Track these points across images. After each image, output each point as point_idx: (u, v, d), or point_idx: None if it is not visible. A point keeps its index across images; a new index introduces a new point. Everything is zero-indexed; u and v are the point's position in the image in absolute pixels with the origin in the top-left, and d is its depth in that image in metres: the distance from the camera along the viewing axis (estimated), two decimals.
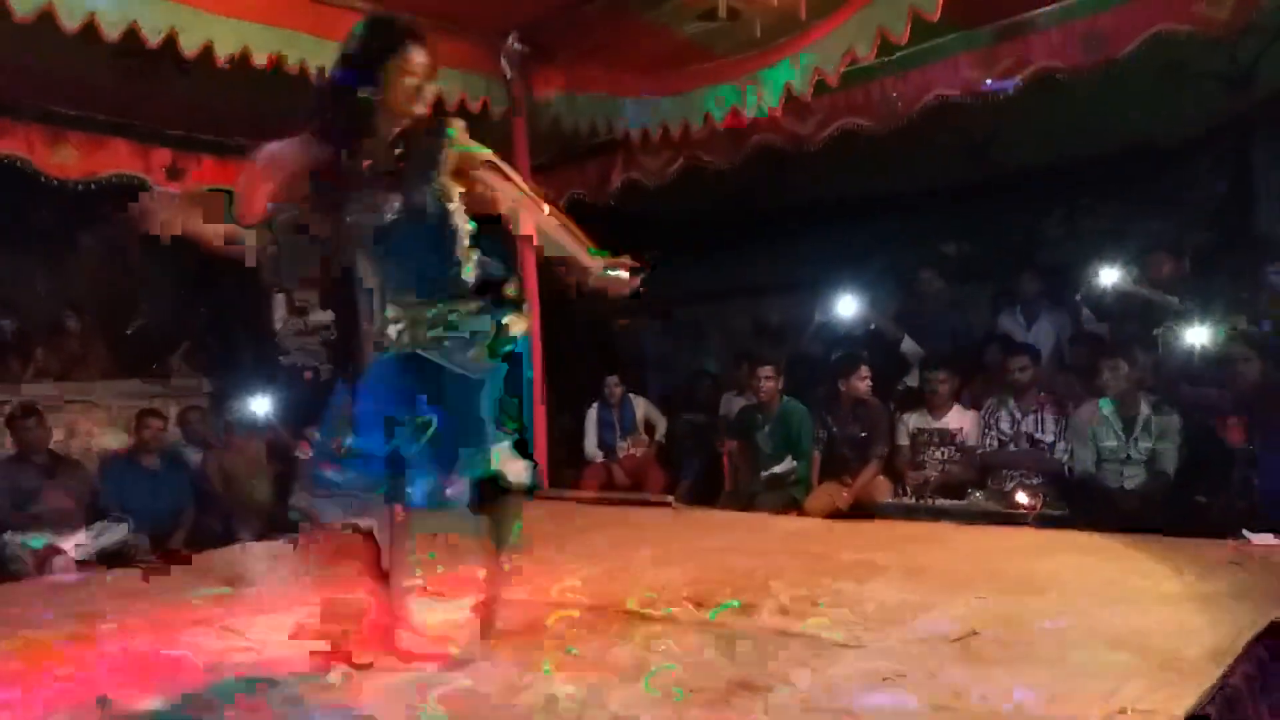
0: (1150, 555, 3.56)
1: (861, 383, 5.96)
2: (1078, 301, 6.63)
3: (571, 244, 2.89)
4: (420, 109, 2.73)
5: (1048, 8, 5.28)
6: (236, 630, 3.18)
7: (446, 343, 2.76)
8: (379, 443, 2.71)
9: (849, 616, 2.92)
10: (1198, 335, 5.42)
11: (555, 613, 3.14)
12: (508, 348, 2.82)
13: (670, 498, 5.70)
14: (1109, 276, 6.13)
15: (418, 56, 2.69)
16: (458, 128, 2.79)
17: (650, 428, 7.38)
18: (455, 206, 2.76)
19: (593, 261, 2.88)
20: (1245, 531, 3.68)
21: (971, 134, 7.12)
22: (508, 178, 2.83)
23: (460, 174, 2.76)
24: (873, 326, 6.95)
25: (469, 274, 2.79)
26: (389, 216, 2.70)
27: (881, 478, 5.75)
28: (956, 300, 7.31)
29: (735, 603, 3.09)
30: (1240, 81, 6.55)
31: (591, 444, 7.29)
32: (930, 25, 4.75)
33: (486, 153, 2.81)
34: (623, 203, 7.16)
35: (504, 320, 2.81)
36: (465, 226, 2.79)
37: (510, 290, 2.86)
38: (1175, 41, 4.94)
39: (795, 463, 5.95)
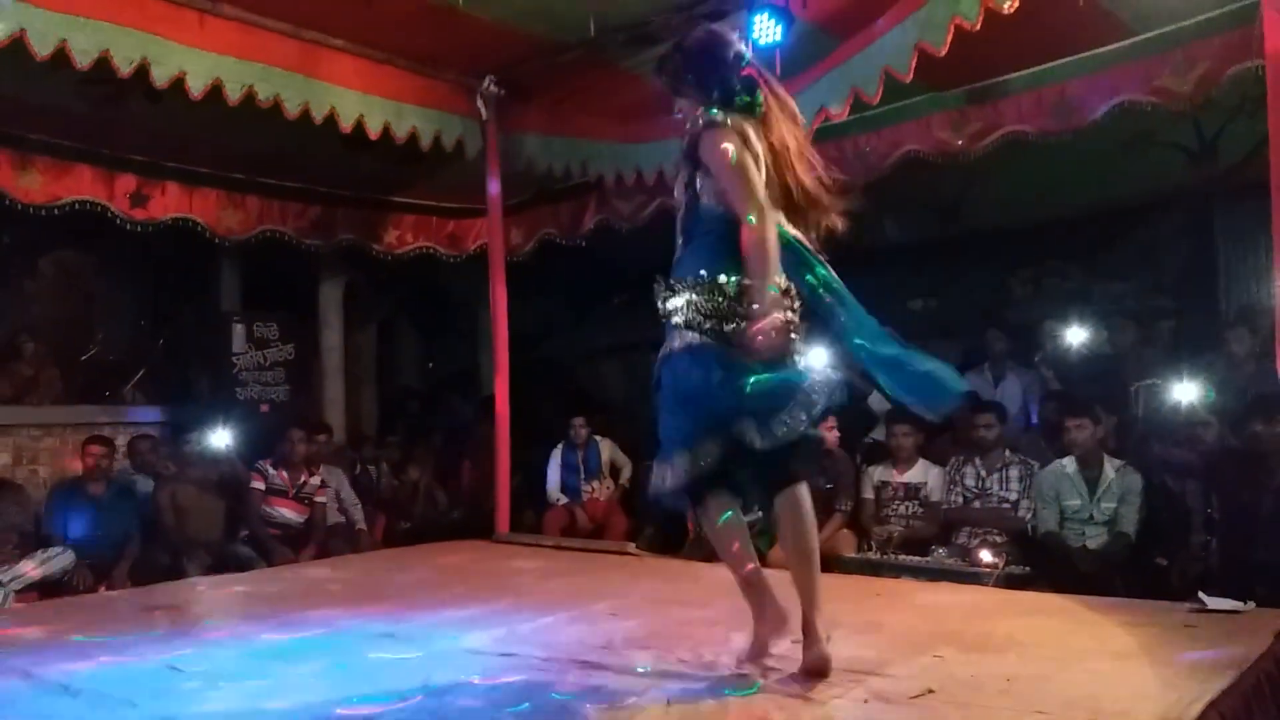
0: (1108, 617, 3.57)
1: (829, 434, 5.93)
2: (1037, 362, 6.70)
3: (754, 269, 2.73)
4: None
5: (1018, 73, 5.39)
6: None
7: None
8: None
9: None
10: (1177, 393, 5.45)
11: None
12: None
13: (632, 545, 5.64)
14: (1074, 337, 6.19)
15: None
16: (712, 119, 2.81)
17: (615, 471, 7.30)
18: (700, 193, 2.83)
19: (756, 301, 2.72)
20: (1202, 595, 3.68)
21: (941, 192, 7.22)
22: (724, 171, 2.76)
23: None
24: (847, 378, 6.92)
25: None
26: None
27: (845, 531, 5.72)
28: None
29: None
30: (1203, 153, 6.72)
31: (554, 485, 7.20)
32: (902, 85, 4.82)
33: (719, 139, 2.77)
34: (595, 244, 7.16)
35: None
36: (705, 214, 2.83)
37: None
38: (1142, 111, 5.06)
39: (760, 513, 5.90)
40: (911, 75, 4.63)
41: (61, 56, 4.29)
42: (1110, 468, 5.20)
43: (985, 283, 8.23)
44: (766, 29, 4.77)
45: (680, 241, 2.93)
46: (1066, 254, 7.92)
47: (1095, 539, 5.12)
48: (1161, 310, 6.72)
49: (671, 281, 2.86)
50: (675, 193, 3.00)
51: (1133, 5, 4.75)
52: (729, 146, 2.73)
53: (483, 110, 6.01)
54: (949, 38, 4.36)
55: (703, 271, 2.78)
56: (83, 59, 4.34)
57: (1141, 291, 7.17)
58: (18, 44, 4.15)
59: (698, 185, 2.84)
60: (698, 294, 2.77)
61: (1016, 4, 4.13)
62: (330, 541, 6.56)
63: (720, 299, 2.75)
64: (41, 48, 4.21)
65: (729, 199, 2.76)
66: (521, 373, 6.32)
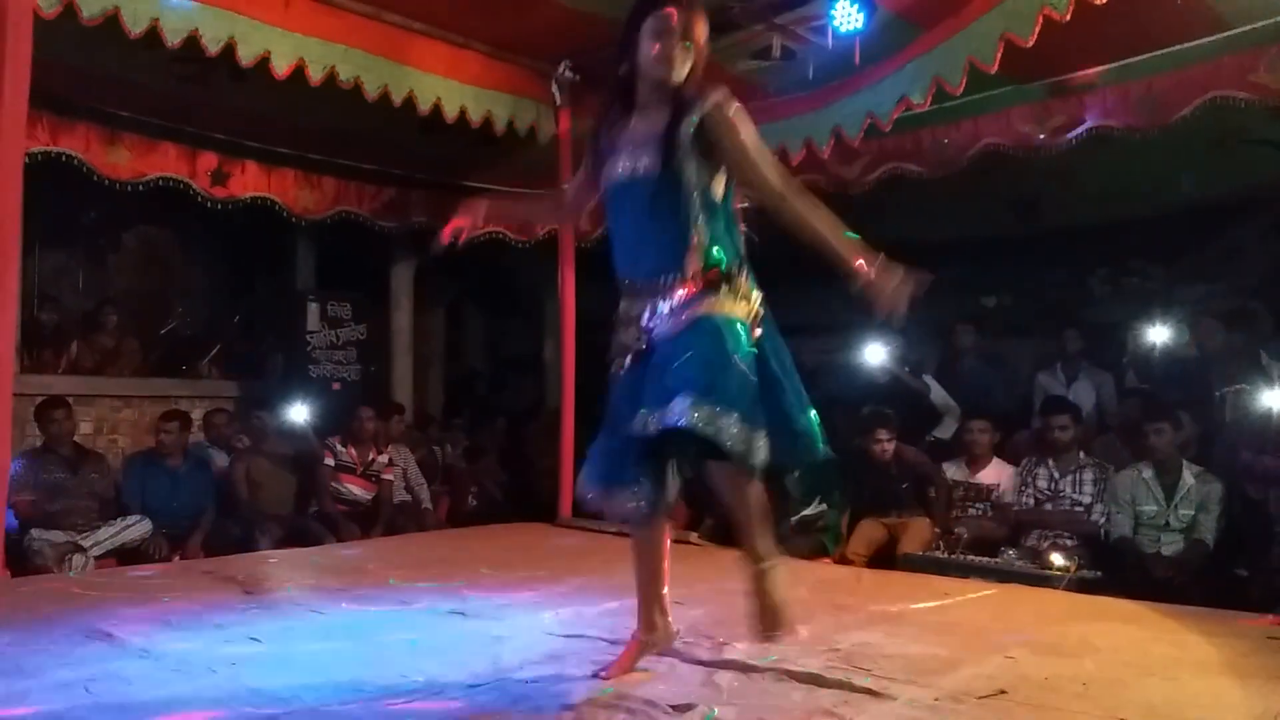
0: (1185, 626, 3.47)
1: (879, 445, 5.82)
2: (1125, 363, 6.54)
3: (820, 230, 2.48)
4: (665, 72, 2.52)
5: (1104, 67, 5.26)
6: None
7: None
8: None
9: (876, 668, 2.84)
10: (1267, 399, 5.27)
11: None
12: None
13: (694, 535, 5.63)
14: (1156, 338, 6.03)
15: (671, 18, 2.50)
16: (722, 97, 2.53)
17: None
18: (689, 176, 2.50)
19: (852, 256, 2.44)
20: None
21: (1020, 188, 7.08)
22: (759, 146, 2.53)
23: (706, 141, 2.50)
24: (899, 377, 6.83)
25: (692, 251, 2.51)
26: (617, 179, 2.60)
27: (925, 523, 5.64)
28: (994, 354, 7.22)
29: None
30: None
31: None
32: (984, 76, 4.72)
33: (731, 117, 2.51)
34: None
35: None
36: (695, 197, 2.51)
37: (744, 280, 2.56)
38: (1234, 108, 4.91)
39: (824, 507, 5.86)
40: (997, 67, 4.54)
41: (153, 35, 4.38)
42: (1189, 474, 5.07)
43: (1062, 281, 8.07)
44: (848, 16, 4.71)
45: (640, 230, 2.60)
46: (1148, 254, 7.73)
47: (1171, 546, 5.01)
48: (1247, 313, 6.50)
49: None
50: (620, 170, 2.59)
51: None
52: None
53: (557, 96, 6.03)
54: (1037, 29, 4.27)
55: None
56: (173, 37, 4.43)
57: (1226, 293, 6.96)
58: (111, 21, 4.25)
59: (688, 164, 2.49)
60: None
61: None
62: (397, 519, 6.65)
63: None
64: (134, 25, 4.31)
65: (758, 175, 2.50)
66: (587, 358, 6.32)
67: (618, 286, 2.68)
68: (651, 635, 2.80)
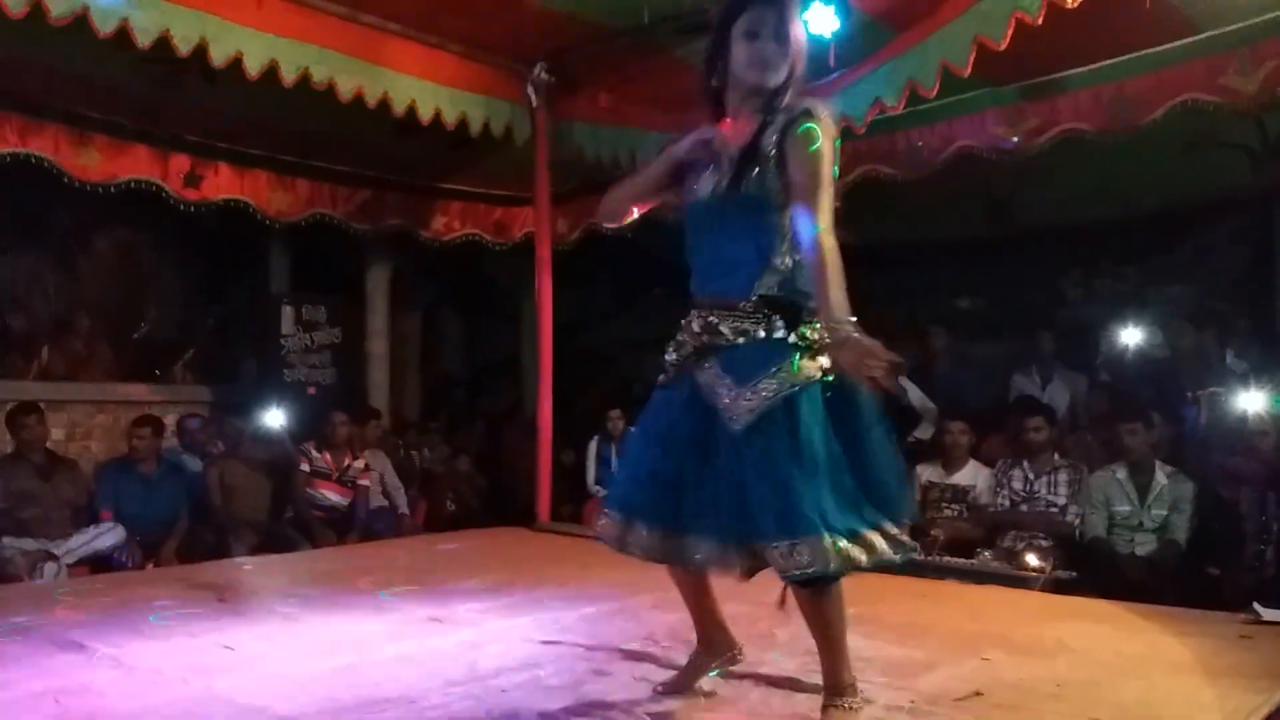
0: (1159, 625, 3.50)
1: None
2: (1098, 364, 6.59)
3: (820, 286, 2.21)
4: (758, 77, 2.36)
5: (1077, 70, 5.30)
6: None
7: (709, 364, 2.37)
8: None
9: (855, 670, 2.83)
10: (1245, 402, 5.32)
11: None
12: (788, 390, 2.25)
13: None
14: (1129, 339, 6.08)
15: (761, 18, 2.35)
16: (812, 109, 2.33)
17: None
18: (769, 195, 2.32)
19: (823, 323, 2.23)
20: (1257, 605, 3.60)
21: (994, 189, 7.12)
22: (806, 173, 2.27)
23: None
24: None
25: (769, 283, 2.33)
26: (697, 197, 2.42)
27: None
28: (968, 356, 7.26)
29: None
30: (1266, 153, 6.56)
31: (592, 478, 7.22)
32: (958, 79, 4.75)
33: (806, 133, 2.28)
34: (640, 235, 7.14)
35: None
36: (775, 219, 2.33)
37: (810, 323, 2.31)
38: (1204, 111, 4.96)
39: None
40: (970, 70, 4.57)
41: (122, 35, 4.33)
42: (1162, 474, 5.12)
43: (1036, 282, 8.12)
44: (823, 20, 4.71)
45: (716, 250, 2.43)
46: (1120, 255, 7.79)
47: (1145, 546, 5.05)
48: (1214, 313, 6.57)
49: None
50: (700, 187, 2.44)
51: (1198, 3, 4.65)
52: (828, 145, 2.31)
53: (532, 97, 6.01)
54: (1009, 32, 4.30)
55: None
56: (143, 38, 4.38)
57: (1197, 295, 7.03)
58: (80, 21, 4.19)
59: (768, 181, 2.33)
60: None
61: None
62: (373, 525, 6.62)
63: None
64: (104, 25, 4.25)
65: (806, 201, 2.26)
66: (564, 362, 6.32)
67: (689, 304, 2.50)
68: (708, 651, 2.70)
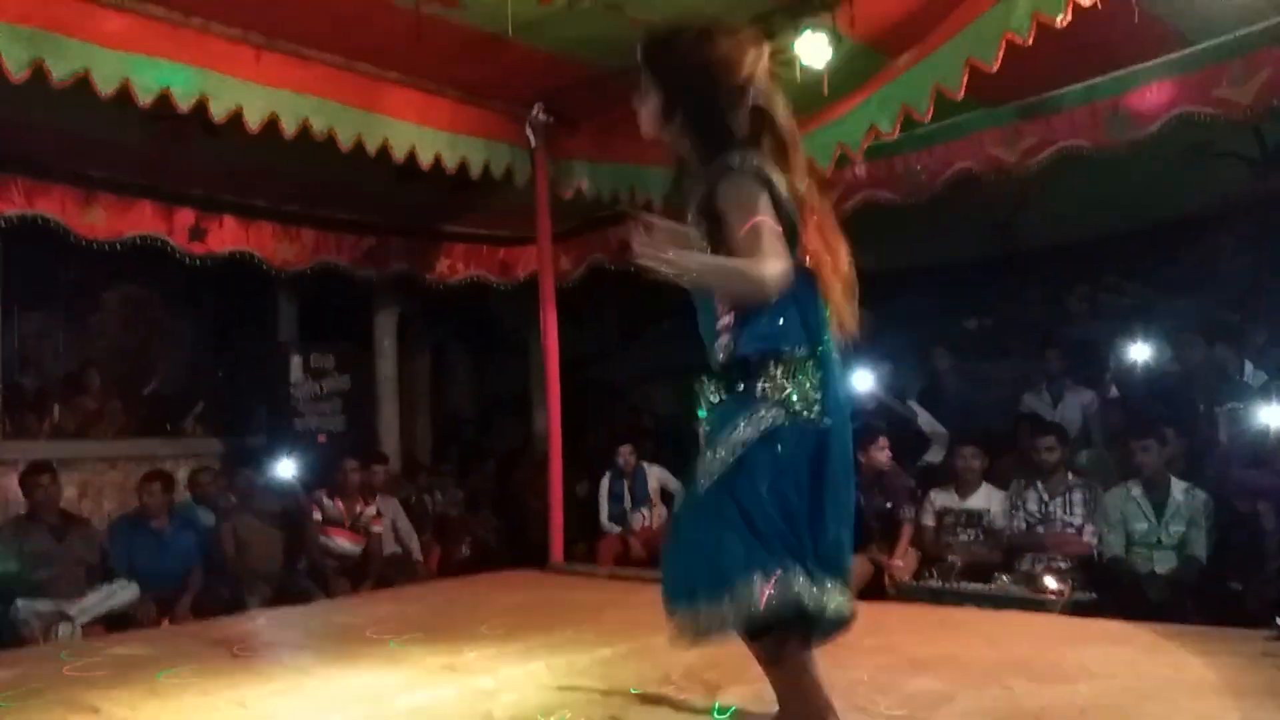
0: (1181, 645, 3.46)
1: (880, 454, 5.87)
2: (1107, 380, 6.55)
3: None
4: (647, 131, 2.42)
5: (1071, 87, 5.32)
6: None
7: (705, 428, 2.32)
8: None
9: (873, 705, 2.80)
10: (1266, 416, 5.26)
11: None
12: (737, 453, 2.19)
13: None
14: (1138, 354, 6.05)
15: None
16: (741, 158, 2.23)
17: (667, 497, 7.25)
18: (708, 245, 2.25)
19: None
20: (1279, 620, 3.55)
21: (995, 210, 7.12)
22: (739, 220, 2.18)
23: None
24: (886, 403, 6.81)
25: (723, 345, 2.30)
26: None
27: (911, 552, 5.62)
28: (976, 377, 7.23)
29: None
30: (1265, 161, 6.56)
31: (605, 515, 7.20)
32: (953, 102, 4.76)
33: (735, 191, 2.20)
34: (645, 269, 7.15)
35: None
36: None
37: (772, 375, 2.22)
38: (1200, 122, 4.96)
39: None
40: (963, 92, 4.58)
41: (124, 94, 4.39)
42: (1177, 490, 5.07)
43: (1041, 300, 8.10)
44: (816, 48, 4.74)
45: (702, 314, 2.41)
46: (1124, 270, 7.77)
47: (1164, 564, 4.99)
48: (1227, 326, 6.53)
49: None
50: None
51: (1188, 16, 4.67)
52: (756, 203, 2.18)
53: (531, 138, 6.04)
54: (1000, 53, 4.31)
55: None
56: (144, 96, 4.44)
57: (1204, 307, 6.99)
58: (82, 83, 4.25)
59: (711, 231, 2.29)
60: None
61: (1069, 18, 4.07)
62: (387, 572, 6.59)
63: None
64: (105, 86, 4.31)
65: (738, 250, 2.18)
66: (572, 397, 6.31)
67: None
68: None
